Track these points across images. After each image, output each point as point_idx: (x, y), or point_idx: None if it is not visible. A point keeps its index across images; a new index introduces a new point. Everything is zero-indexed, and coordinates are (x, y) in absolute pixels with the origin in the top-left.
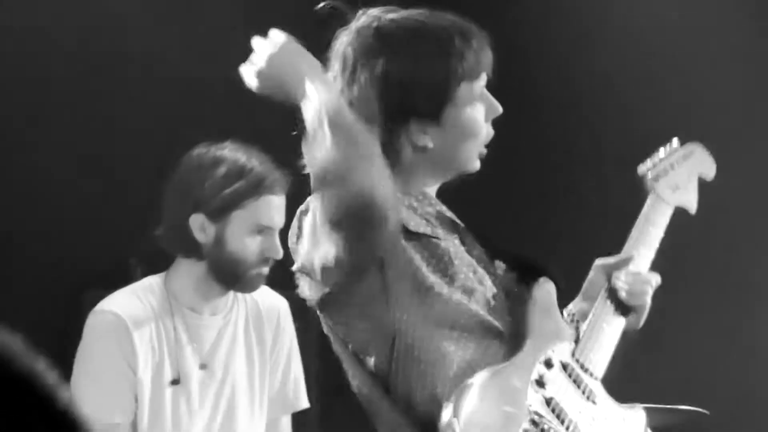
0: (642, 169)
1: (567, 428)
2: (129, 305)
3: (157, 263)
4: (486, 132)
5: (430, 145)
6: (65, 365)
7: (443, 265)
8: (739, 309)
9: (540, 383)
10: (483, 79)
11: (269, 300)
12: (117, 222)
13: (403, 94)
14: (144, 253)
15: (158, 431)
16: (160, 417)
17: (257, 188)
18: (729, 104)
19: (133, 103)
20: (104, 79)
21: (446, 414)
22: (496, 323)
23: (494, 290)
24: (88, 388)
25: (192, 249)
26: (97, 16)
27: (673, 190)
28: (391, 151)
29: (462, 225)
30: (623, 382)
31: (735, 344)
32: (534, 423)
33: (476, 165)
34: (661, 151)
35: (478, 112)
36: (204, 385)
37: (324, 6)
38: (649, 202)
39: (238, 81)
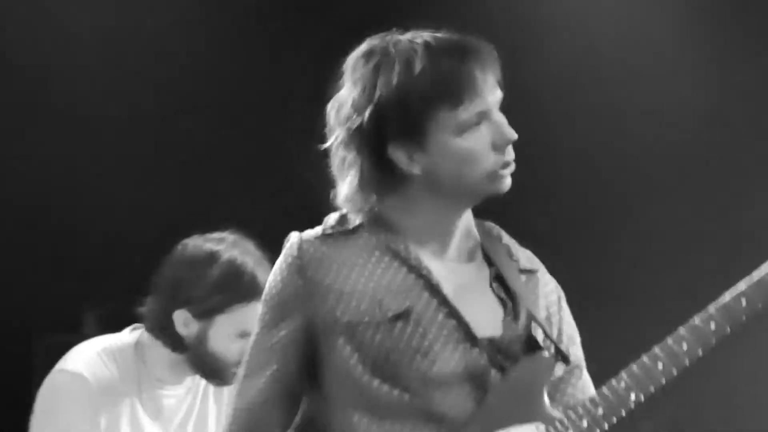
0: None
1: None
2: (96, 369)
3: (110, 314)
4: (492, 161)
5: (417, 171)
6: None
7: (380, 360)
8: None
9: None
10: (475, 105)
11: None
12: (71, 268)
13: (375, 116)
14: (96, 301)
15: None
16: None
17: (248, 295)
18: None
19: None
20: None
21: None
22: (432, 406)
23: (452, 360)
24: None
25: (171, 339)
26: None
27: None
28: (381, 177)
29: (441, 292)
30: None
31: None
32: None
33: (499, 186)
34: None
35: (473, 140)
36: None
37: None
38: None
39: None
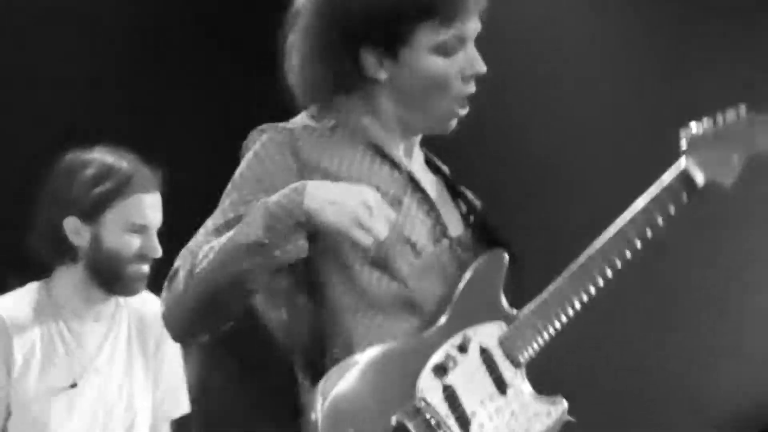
0: (684, 132)
1: (460, 420)
2: (12, 308)
3: (29, 274)
4: (459, 89)
5: (384, 76)
6: None
7: (375, 249)
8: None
9: (442, 368)
10: (458, 29)
11: (153, 308)
12: None
13: (355, 18)
14: (16, 263)
15: None
16: (42, 421)
17: (126, 187)
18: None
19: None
20: None
21: (317, 392)
22: (416, 295)
23: (432, 255)
24: None
25: (68, 253)
26: None
27: (704, 166)
28: (347, 74)
29: (414, 181)
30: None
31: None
32: (418, 411)
33: (447, 125)
34: (718, 118)
35: (443, 63)
36: (88, 390)
37: None
38: (672, 169)
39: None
